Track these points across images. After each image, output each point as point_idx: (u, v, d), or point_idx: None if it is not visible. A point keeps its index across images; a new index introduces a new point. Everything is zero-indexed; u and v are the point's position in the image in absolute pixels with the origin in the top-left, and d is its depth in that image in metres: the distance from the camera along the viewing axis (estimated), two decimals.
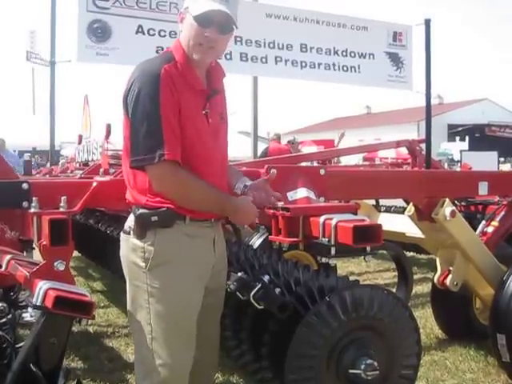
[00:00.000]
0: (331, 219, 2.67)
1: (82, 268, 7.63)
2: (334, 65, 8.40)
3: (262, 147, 12.34)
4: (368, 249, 2.61)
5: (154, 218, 2.29)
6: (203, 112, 2.38)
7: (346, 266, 7.42)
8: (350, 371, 2.52)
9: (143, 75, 2.27)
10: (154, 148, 2.20)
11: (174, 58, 2.33)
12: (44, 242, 2.32)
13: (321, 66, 8.31)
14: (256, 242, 4.82)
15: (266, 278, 2.69)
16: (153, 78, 2.24)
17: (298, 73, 8.24)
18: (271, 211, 2.97)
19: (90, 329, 4.85)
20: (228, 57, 7.32)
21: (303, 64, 8.19)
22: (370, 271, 7.62)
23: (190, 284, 2.38)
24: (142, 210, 2.32)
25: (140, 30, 7.08)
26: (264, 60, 7.95)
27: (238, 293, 2.75)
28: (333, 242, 2.62)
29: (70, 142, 17.79)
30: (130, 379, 3.85)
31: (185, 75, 2.32)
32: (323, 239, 2.68)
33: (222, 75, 2.52)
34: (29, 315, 4.00)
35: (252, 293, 2.63)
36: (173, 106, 2.25)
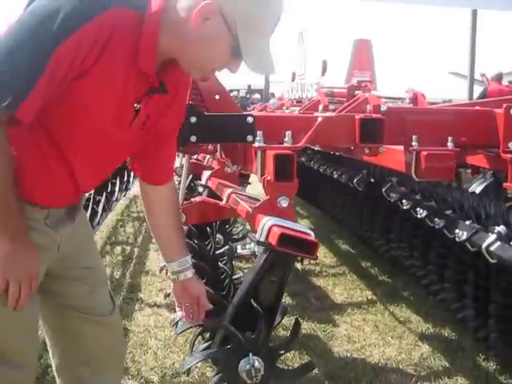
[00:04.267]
0: None
1: None
2: None
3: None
4: None
5: None
6: (134, 106, 1.57)
7: None
8: None
9: None
10: (15, 87, 1.34)
11: (145, 6, 1.46)
12: (268, 178, 2.26)
13: None
14: (476, 188, 4.48)
15: (503, 229, 2.42)
16: (84, 9, 1.36)
17: None
18: (509, 155, 2.65)
19: (298, 266, 4.89)
20: None
21: None
22: None
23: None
24: None
25: None
26: None
27: (466, 243, 2.54)
28: None
29: (276, 81, 18.13)
30: (338, 320, 3.83)
31: (136, 42, 1.46)
32: None
33: (186, 86, 1.75)
34: (239, 247, 4.15)
35: (485, 244, 2.39)
36: (73, 60, 1.38)
